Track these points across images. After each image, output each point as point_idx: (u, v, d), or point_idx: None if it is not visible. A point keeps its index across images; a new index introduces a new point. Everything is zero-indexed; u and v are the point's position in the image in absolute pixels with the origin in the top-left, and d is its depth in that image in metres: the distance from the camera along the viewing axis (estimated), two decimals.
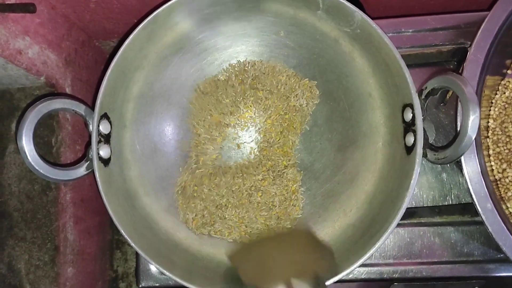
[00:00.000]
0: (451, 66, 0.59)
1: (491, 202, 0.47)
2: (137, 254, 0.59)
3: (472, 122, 0.41)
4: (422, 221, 0.57)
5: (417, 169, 0.45)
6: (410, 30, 0.58)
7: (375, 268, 0.57)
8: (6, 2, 0.52)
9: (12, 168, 0.62)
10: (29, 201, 0.62)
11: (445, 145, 0.44)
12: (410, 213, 0.57)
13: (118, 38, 0.76)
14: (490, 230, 0.47)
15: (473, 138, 0.41)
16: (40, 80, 0.60)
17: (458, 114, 0.48)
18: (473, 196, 0.47)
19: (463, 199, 0.58)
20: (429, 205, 0.58)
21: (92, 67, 0.75)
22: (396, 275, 0.57)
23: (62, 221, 0.64)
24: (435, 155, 0.45)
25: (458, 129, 0.48)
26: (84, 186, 0.72)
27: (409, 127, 0.47)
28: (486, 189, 0.47)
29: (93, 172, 0.47)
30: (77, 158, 0.68)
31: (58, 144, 0.63)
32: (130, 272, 0.83)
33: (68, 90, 0.66)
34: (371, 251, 0.44)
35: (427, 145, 0.46)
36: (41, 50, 0.59)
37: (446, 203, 0.58)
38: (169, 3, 0.49)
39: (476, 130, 0.41)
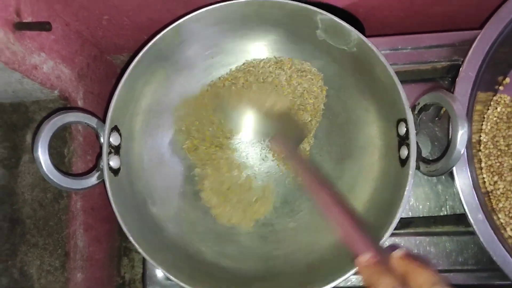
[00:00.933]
0: (446, 82, 0.62)
1: (482, 213, 0.49)
2: (144, 260, 0.62)
3: (461, 136, 0.43)
4: (418, 231, 0.59)
5: (410, 180, 0.47)
6: (407, 48, 0.61)
7: None
8: (23, 21, 0.55)
9: (26, 177, 0.65)
10: (42, 209, 0.64)
11: (437, 158, 0.47)
12: (407, 223, 0.59)
13: (128, 53, 0.79)
14: (481, 240, 0.49)
15: (462, 151, 0.43)
16: (54, 94, 0.63)
17: (450, 129, 0.50)
18: (465, 207, 0.50)
19: (458, 210, 0.60)
20: (425, 216, 0.60)
21: (103, 80, 0.78)
22: None
23: (72, 228, 0.66)
24: (427, 167, 0.47)
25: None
26: (94, 195, 0.74)
27: (403, 140, 0.49)
28: (477, 201, 0.50)
29: (103, 181, 0.50)
30: (88, 168, 0.71)
31: (70, 154, 0.66)
32: (136, 279, 0.85)
33: (80, 103, 0.69)
34: None
35: (420, 158, 0.48)
36: (55, 65, 0.62)
37: (442, 214, 0.60)
38: (177, 22, 0.52)
39: (465, 144, 0.43)
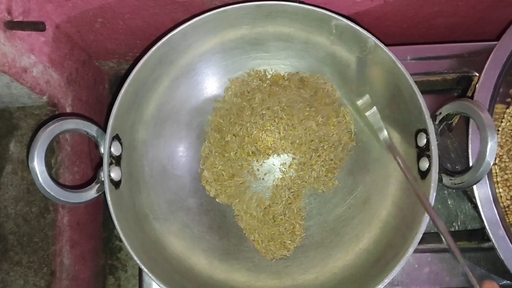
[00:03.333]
0: (455, 94, 0.60)
1: (502, 229, 0.48)
2: (140, 276, 0.57)
3: (491, 148, 0.41)
4: (429, 247, 0.57)
5: (433, 193, 0.45)
6: (415, 58, 0.59)
7: None
8: (15, 20, 0.51)
9: (9, 189, 0.60)
10: (26, 224, 0.60)
11: (462, 170, 0.45)
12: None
13: (118, 59, 0.76)
14: (502, 257, 0.48)
15: (491, 163, 0.42)
16: (42, 100, 0.59)
17: (470, 140, 0.48)
18: (485, 223, 0.48)
19: (469, 226, 0.58)
20: (436, 231, 0.58)
21: (91, 87, 0.74)
22: None
23: (59, 245, 0.62)
24: (451, 180, 0.45)
25: (470, 155, 0.48)
26: (80, 209, 0.70)
27: (423, 152, 0.47)
28: (497, 216, 0.48)
29: (103, 194, 0.46)
30: (75, 179, 0.66)
31: (58, 165, 0.62)
32: None
33: (68, 110, 0.65)
34: (390, 276, 0.44)
35: (442, 170, 0.46)
36: (45, 69, 0.58)
37: (453, 229, 0.58)
38: (184, 26, 0.49)
39: (494, 155, 0.41)
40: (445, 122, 0.46)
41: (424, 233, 0.57)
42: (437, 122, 0.47)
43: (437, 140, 0.46)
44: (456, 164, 0.58)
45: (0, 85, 0.53)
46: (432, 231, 0.58)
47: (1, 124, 0.61)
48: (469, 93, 0.58)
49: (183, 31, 0.49)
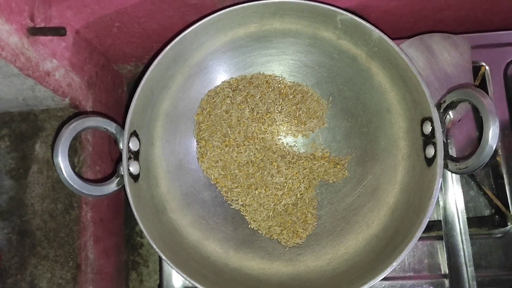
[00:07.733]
0: None
1: None
2: (160, 270, 0.60)
3: (493, 132, 0.42)
4: (441, 234, 0.58)
5: (438, 179, 0.46)
6: None
7: (396, 282, 0.58)
8: (37, 26, 0.54)
9: (35, 187, 0.63)
10: (52, 220, 0.63)
11: (466, 156, 0.46)
12: (429, 226, 0.58)
13: (135, 62, 0.79)
14: None
15: (494, 147, 0.43)
16: (65, 102, 0.62)
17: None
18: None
19: (480, 213, 0.59)
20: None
21: (110, 89, 0.77)
22: None
23: (83, 239, 0.64)
24: (456, 165, 0.47)
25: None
26: (103, 206, 0.73)
27: (428, 139, 0.49)
28: None
29: (123, 188, 0.48)
30: (96, 178, 0.69)
31: (80, 164, 0.65)
32: None
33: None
34: (398, 261, 0.45)
35: (447, 156, 0.47)
36: (66, 72, 0.61)
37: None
38: (195, 25, 0.51)
39: (497, 139, 0.43)
40: (449, 110, 0.48)
41: (435, 221, 0.59)
42: (441, 110, 0.48)
43: (442, 128, 0.48)
44: (465, 153, 0.59)
45: (25, 88, 0.56)
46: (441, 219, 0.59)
47: (27, 126, 0.64)
48: (476, 83, 0.59)
49: (195, 31, 0.51)
